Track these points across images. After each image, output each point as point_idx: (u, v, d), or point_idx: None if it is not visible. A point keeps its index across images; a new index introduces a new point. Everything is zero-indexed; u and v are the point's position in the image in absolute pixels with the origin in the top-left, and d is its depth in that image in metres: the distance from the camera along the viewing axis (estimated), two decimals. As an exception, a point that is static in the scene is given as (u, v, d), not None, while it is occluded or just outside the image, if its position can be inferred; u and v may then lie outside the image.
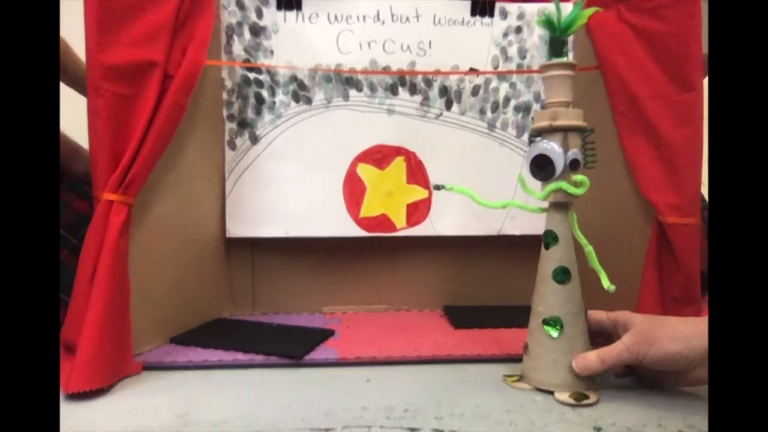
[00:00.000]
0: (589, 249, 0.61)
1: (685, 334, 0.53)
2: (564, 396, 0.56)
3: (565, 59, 0.58)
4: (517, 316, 0.86)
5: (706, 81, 0.75)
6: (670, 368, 0.54)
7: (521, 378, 0.61)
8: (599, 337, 0.60)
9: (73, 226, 0.73)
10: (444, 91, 0.89)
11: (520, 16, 0.89)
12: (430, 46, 0.88)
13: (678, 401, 0.55)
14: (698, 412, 0.52)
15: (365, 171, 0.89)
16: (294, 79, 0.87)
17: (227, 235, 0.87)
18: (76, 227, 0.73)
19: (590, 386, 0.57)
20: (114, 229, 0.63)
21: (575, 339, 0.58)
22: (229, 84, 0.86)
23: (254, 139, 0.87)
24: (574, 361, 0.57)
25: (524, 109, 0.91)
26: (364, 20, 0.87)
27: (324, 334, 0.76)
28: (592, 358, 0.56)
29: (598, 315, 0.61)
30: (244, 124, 0.87)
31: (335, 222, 0.88)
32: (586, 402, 0.55)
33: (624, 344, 0.55)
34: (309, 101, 0.87)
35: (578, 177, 0.58)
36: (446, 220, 0.90)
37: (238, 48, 0.85)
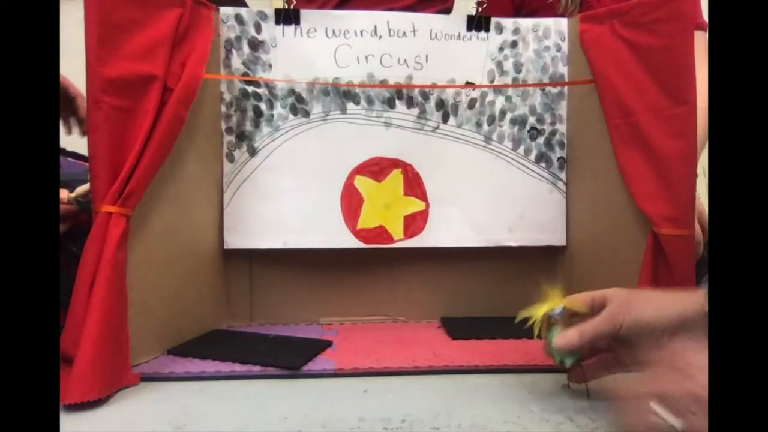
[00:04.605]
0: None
1: (661, 302, 0.53)
2: None
3: None
4: (515, 327, 0.86)
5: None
6: (645, 335, 0.52)
7: None
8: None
9: (69, 233, 0.72)
10: (441, 104, 0.90)
11: (516, 31, 0.91)
12: (426, 60, 0.89)
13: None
14: None
15: (363, 183, 0.89)
16: (292, 92, 0.88)
17: (225, 247, 0.87)
18: (74, 235, 0.73)
19: None
20: (112, 240, 0.63)
21: None
22: (227, 97, 0.86)
23: (252, 152, 0.87)
24: (555, 340, 0.56)
25: (520, 122, 0.91)
26: (361, 35, 0.88)
27: (321, 345, 0.76)
28: (571, 334, 0.55)
29: (584, 298, 0.58)
30: (242, 137, 0.87)
31: (333, 234, 0.89)
32: None
33: (602, 315, 0.54)
34: (307, 114, 0.88)
35: None
36: (444, 232, 0.91)
37: (236, 62, 0.86)
